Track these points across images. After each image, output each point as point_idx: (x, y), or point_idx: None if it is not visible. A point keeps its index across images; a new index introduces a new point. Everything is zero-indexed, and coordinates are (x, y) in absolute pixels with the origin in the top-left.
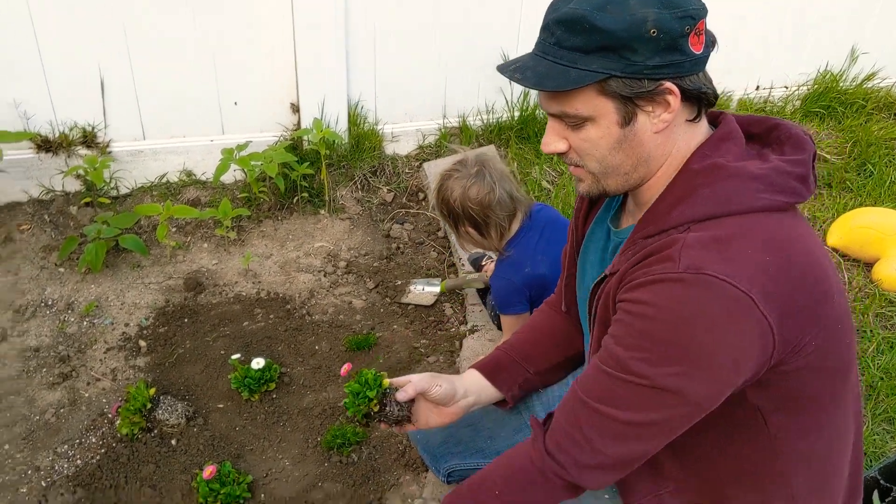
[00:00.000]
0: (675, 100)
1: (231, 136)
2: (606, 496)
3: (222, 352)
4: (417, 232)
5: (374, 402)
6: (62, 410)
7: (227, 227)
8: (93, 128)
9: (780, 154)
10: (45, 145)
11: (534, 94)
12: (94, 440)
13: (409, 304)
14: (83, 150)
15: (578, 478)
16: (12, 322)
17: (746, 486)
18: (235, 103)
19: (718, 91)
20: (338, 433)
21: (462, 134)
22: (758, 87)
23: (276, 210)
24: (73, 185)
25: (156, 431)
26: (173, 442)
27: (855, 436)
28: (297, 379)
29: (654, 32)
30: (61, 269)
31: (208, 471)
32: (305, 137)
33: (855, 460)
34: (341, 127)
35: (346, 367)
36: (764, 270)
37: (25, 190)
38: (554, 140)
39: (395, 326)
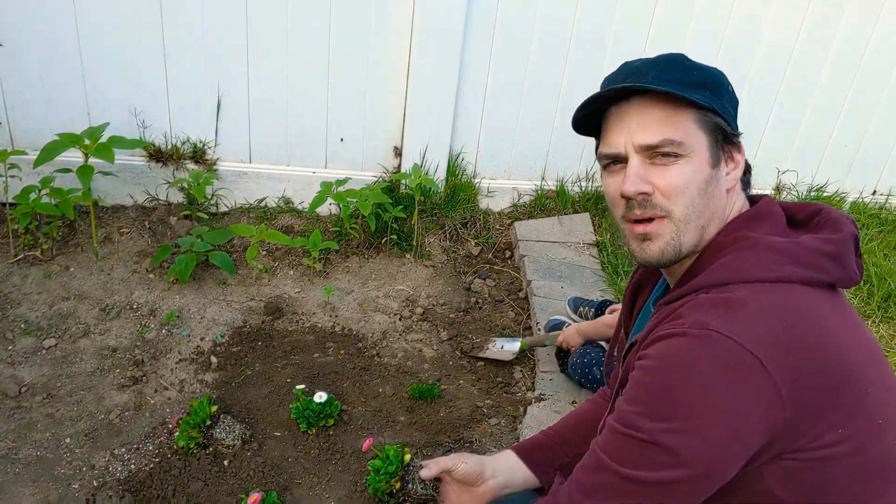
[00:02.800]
0: (741, 159)
1: (332, 170)
2: None
3: (289, 380)
4: (499, 289)
5: (396, 478)
6: (127, 413)
7: (315, 258)
8: (203, 144)
9: (816, 234)
10: (157, 155)
11: None
12: (151, 447)
13: (479, 362)
14: (191, 165)
15: None
16: (97, 320)
17: None
18: (342, 140)
19: (832, 191)
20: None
21: (558, 198)
22: (874, 192)
23: (364, 248)
24: (176, 197)
25: (211, 449)
26: (225, 462)
27: None
28: (356, 419)
29: (731, 88)
30: (151, 276)
31: (253, 498)
32: (403, 181)
33: None
34: (440, 176)
35: (367, 442)
36: (773, 335)
37: (131, 195)
38: (638, 180)
39: (462, 381)
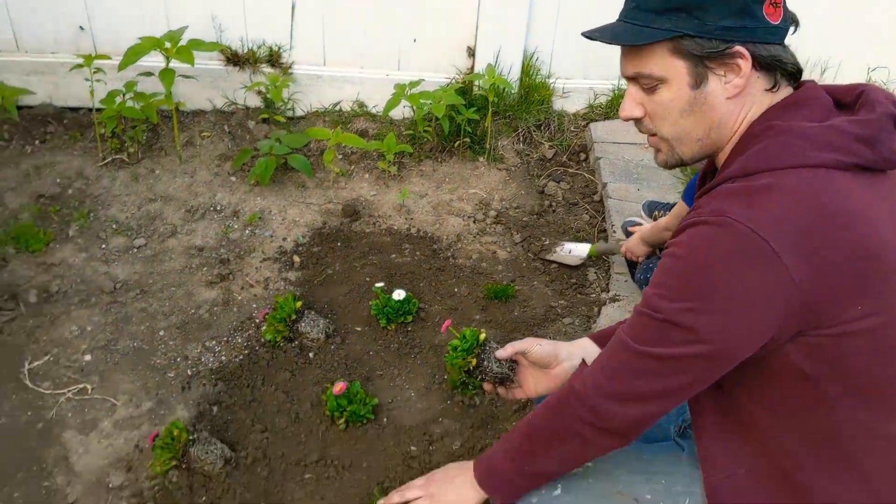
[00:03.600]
0: (745, 64)
1: (406, 72)
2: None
3: (367, 278)
4: (573, 192)
5: (472, 356)
6: (215, 308)
7: (390, 161)
8: (279, 48)
9: (851, 116)
10: (234, 59)
11: None
12: (239, 340)
13: (552, 263)
14: (267, 69)
15: (596, 404)
16: (183, 220)
17: (816, 470)
18: (414, 40)
19: None
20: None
21: None
22: None
23: (437, 151)
24: (254, 101)
25: (296, 343)
26: (311, 355)
27: None
28: (433, 316)
29: None
30: (233, 178)
31: (338, 387)
32: (477, 82)
33: None
34: (513, 76)
35: (445, 324)
36: (793, 222)
37: (211, 100)
38: (630, 106)
39: (536, 283)
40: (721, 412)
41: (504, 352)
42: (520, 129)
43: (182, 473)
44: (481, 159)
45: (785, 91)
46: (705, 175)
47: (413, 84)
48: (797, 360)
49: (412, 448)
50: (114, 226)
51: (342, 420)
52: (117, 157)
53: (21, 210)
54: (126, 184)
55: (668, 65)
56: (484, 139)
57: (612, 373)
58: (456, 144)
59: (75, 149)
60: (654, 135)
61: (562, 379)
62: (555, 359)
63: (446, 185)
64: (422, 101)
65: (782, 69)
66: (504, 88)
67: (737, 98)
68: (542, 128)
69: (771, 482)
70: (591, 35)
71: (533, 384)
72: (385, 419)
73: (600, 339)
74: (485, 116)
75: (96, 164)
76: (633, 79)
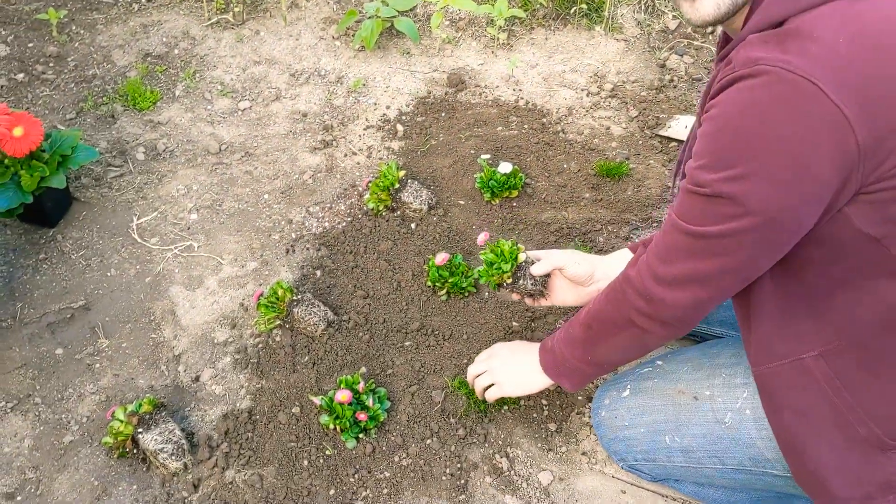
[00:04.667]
0: None
1: None
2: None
3: (472, 151)
4: (696, 67)
5: (508, 274)
6: (319, 174)
7: (500, 27)
8: None
9: None
10: None
11: None
12: (342, 207)
13: (671, 141)
14: None
15: (649, 287)
16: (287, 85)
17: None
18: None
19: None
20: None
21: None
22: None
23: (551, 19)
24: None
25: (399, 212)
26: (413, 225)
27: None
28: (539, 192)
29: None
30: (337, 43)
31: (441, 258)
32: None
33: None
34: None
35: (483, 237)
36: (834, 55)
37: None
38: None
39: (651, 162)
40: (785, 295)
41: (540, 267)
42: None
43: (285, 332)
44: (598, 28)
45: None
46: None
47: None
48: (862, 225)
49: (514, 323)
50: (219, 87)
51: (443, 291)
52: (223, 17)
53: (129, 68)
54: (231, 45)
55: None
56: (602, 6)
57: (664, 256)
58: (571, 11)
59: (182, 8)
60: None
61: (592, 296)
62: (590, 278)
63: (559, 55)
64: None
65: None
66: None
67: None
68: None
69: (844, 361)
70: None
71: (562, 296)
72: (486, 294)
73: (635, 245)
74: None
75: (202, 24)
76: None
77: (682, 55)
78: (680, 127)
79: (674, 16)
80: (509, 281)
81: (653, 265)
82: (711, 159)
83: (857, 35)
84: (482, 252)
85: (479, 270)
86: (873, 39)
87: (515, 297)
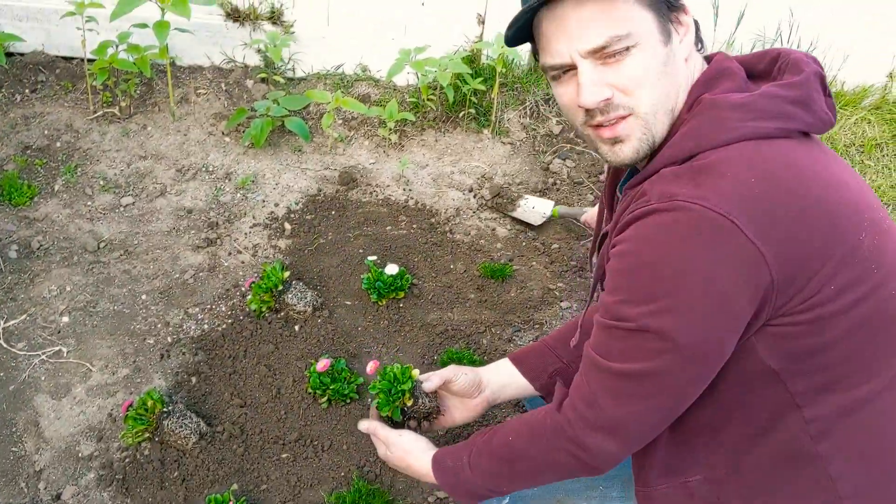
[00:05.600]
0: (688, 18)
1: (412, 37)
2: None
3: (360, 250)
4: (578, 171)
5: (408, 395)
6: (201, 274)
7: (391, 129)
8: (281, 5)
9: (777, 81)
10: (234, 14)
11: None
12: (223, 309)
13: (548, 238)
14: (268, 26)
15: (582, 436)
16: (173, 180)
17: (780, 483)
18: (423, 4)
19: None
20: (455, 356)
21: None
22: None
23: (441, 122)
24: (253, 60)
25: (282, 314)
26: (296, 328)
27: None
28: (426, 293)
29: None
30: (227, 139)
31: (323, 364)
32: (485, 51)
33: None
34: (523, 46)
35: (372, 365)
36: (747, 194)
37: (208, 55)
38: (596, 88)
39: (534, 263)
40: (681, 422)
41: (431, 383)
42: (528, 102)
43: (154, 446)
44: (486, 131)
45: (696, 60)
46: (617, 174)
47: (419, 50)
48: (765, 356)
49: None
50: (101, 182)
51: (324, 399)
52: (109, 110)
53: (6, 161)
54: (116, 139)
55: (640, 19)
56: (490, 111)
57: (590, 399)
58: (460, 115)
59: (66, 100)
60: (625, 116)
61: (479, 409)
62: (477, 388)
63: (448, 156)
64: (427, 68)
65: (698, 30)
66: (513, 59)
67: (687, 62)
68: (550, 102)
69: (727, 488)
70: None
71: (450, 414)
72: (369, 400)
73: (518, 359)
74: (491, 87)
75: (86, 117)
76: (594, 52)
77: (564, 159)
78: (529, 207)
79: (557, 121)
80: (409, 403)
81: (581, 411)
82: (631, 293)
83: (767, 175)
84: (374, 383)
85: (377, 402)
86: (782, 181)
87: (412, 424)
